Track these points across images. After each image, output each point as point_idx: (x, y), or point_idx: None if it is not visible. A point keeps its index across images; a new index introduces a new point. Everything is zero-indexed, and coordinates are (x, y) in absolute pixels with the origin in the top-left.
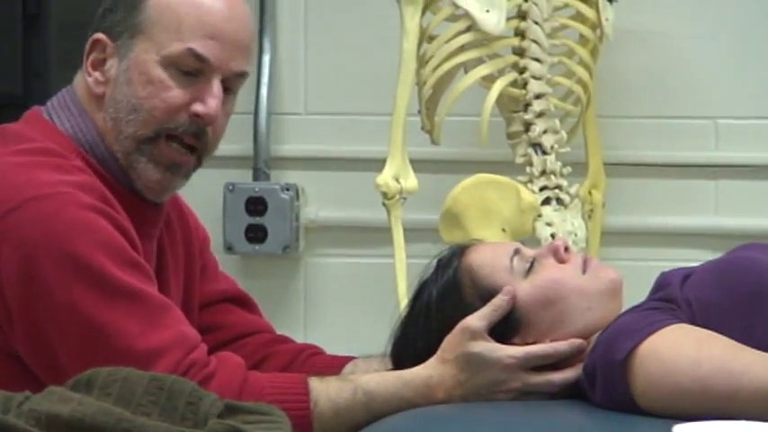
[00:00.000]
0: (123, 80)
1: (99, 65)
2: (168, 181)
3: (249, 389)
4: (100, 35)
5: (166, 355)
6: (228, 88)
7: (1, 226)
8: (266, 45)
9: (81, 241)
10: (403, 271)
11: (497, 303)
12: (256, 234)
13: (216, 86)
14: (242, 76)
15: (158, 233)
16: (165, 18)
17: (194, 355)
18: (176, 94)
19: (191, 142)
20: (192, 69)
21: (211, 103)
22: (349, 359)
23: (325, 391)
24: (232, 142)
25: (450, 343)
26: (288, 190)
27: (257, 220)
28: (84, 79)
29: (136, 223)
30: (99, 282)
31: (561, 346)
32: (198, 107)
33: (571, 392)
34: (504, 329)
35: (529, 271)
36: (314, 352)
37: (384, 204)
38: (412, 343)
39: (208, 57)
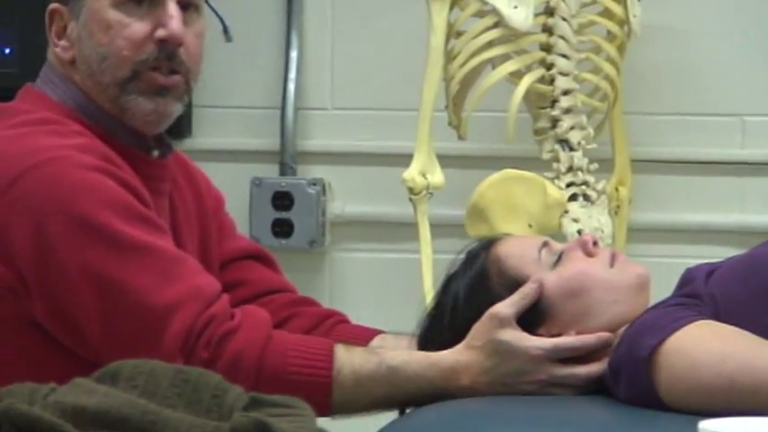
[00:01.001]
0: (85, 35)
1: (61, 33)
2: (163, 106)
3: (273, 347)
4: (53, 5)
5: (183, 308)
6: (187, 5)
7: (7, 198)
8: (293, 41)
9: (87, 202)
10: (429, 266)
11: (526, 291)
12: (282, 228)
13: (172, 7)
14: None
15: (168, 189)
16: None
17: (214, 308)
18: (136, 27)
19: (167, 66)
20: None
21: (172, 23)
22: (377, 332)
23: (349, 360)
24: (259, 137)
25: (478, 330)
26: (314, 185)
27: (283, 214)
28: (53, 51)
29: (143, 179)
30: (108, 240)
31: (589, 339)
32: (160, 32)
33: (596, 388)
34: (530, 320)
35: (557, 263)
36: (340, 319)
37: (410, 199)
38: (438, 332)
39: None
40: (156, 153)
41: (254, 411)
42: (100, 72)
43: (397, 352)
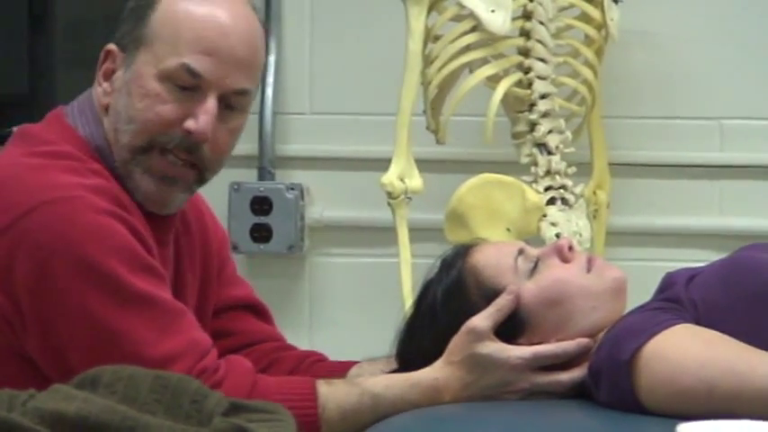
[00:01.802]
0: (125, 91)
1: (109, 75)
2: (165, 193)
3: (258, 393)
4: (111, 46)
5: (178, 362)
6: (231, 105)
7: (16, 229)
8: (272, 45)
9: (95, 247)
10: (408, 271)
11: (501, 303)
12: (261, 233)
13: (210, 103)
14: (243, 93)
15: (173, 238)
16: (165, 32)
17: (205, 361)
18: (170, 108)
19: (183, 157)
20: (187, 85)
21: (203, 119)
22: (352, 364)
23: (333, 395)
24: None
25: (456, 345)
26: (293, 189)
27: (262, 219)
28: (96, 88)
29: (150, 228)
30: (113, 288)
31: (569, 345)
32: (189, 123)
33: (576, 392)
34: (510, 330)
35: (533, 271)
36: (317, 359)
37: (389, 204)
38: (417, 344)
39: (202, 73)
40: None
41: (233, 417)
42: (122, 131)
43: (377, 379)
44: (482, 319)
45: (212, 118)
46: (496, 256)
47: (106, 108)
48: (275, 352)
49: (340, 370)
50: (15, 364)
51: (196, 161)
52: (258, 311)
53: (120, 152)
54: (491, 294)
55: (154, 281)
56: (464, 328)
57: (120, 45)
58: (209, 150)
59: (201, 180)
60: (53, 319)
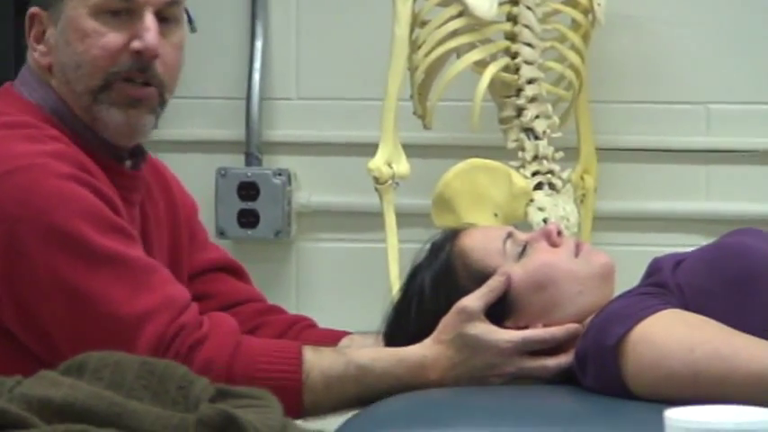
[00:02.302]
0: (62, 42)
1: (40, 37)
2: (134, 118)
3: (242, 354)
4: (33, 8)
5: (154, 318)
6: (166, 18)
7: None
8: (258, 30)
9: (60, 212)
10: (395, 256)
11: (493, 284)
12: (248, 219)
13: (148, 19)
14: (174, 3)
15: (140, 199)
16: None
17: (184, 317)
18: (112, 37)
19: (141, 78)
20: (120, 9)
21: (147, 35)
22: (344, 334)
23: (318, 362)
24: (224, 127)
25: (446, 324)
26: (280, 175)
27: (249, 204)
28: (32, 55)
29: (115, 188)
30: (82, 251)
31: (558, 331)
32: (135, 44)
33: (563, 377)
34: (497, 313)
35: (521, 255)
36: (307, 324)
37: (376, 189)
38: (405, 327)
39: None
40: (128, 164)
41: (220, 403)
42: (75, 80)
43: (365, 350)
44: (473, 300)
45: (155, 33)
46: (485, 239)
47: (49, 68)
48: (262, 314)
49: (330, 339)
50: None
51: (151, 80)
52: (235, 271)
53: (80, 99)
54: (479, 277)
55: (123, 240)
56: (455, 308)
57: (42, 5)
58: (161, 67)
59: (162, 101)
60: (25, 288)
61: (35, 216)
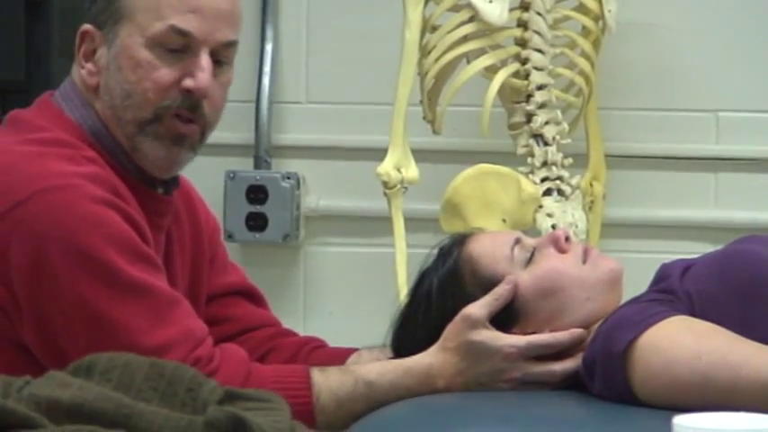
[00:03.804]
0: (114, 67)
1: (90, 55)
2: (175, 154)
3: (252, 382)
4: (87, 26)
5: (172, 351)
6: (219, 60)
7: (12, 217)
8: (268, 34)
9: (91, 236)
10: (403, 261)
11: (499, 292)
12: (257, 222)
13: (204, 59)
14: (231, 45)
15: (168, 224)
16: (144, 0)
17: (199, 350)
18: (165, 72)
19: (187, 116)
20: (177, 46)
21: (201, 76)
22: (352, 351)
23: (326, 383)
24: (233, 130)
25: (451, 331)
26: (289, 179)
27: (258, 208)
28: (79, 71)
29: (146, 214)
30: (108, 277)
31: (562, 335)
32: (188, 82)
33: (570, 383)
34: (504, 319)
35: (529, 261)
36: (317, 345)
37: (385, 194)
38: (412, 332)
39: (190, 31)
40: (161, 191)
41: (228, 405)
42: (122, 108)
43: (371, 365)
44: (478, 308)
45: (209, 74)
46: (492, 245)
47: (95, 89)
48: (273, 338)
49: (339, 357)
50: (12, 353)
51: (197, 118)
52: (252, 296)
53: (126, 128)
54: (487, 283)
55: (149, 270)
56: (460, 315)
57: (96, 23)
58: (208, 107)
59: (203, 138)
60: (48, 308)
61: (65, 237)
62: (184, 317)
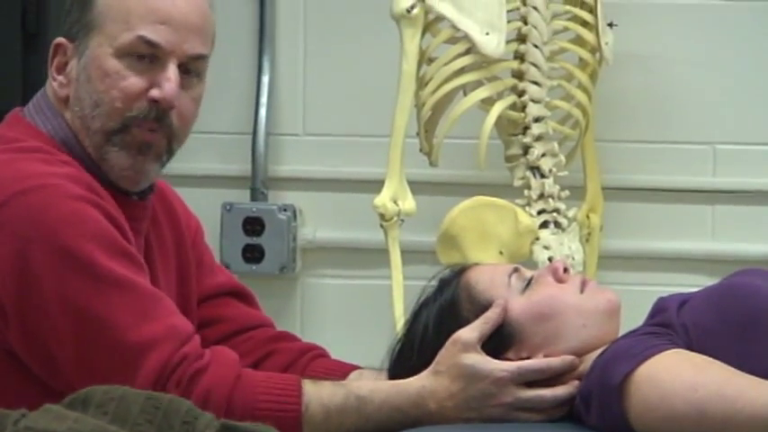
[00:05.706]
0: (83, 78)
1: (62, 68)
2: (141, 163)
3: (242, 385)
4: (60, 39)
5: (158, 347)
6: (189, 71)
7: None
8: (265, 66)
9: (72, 233)
10: (400, 292)
11: (489, 315)
12: (253, 254)
13: (171, 70)
14: (200, 58)
15: (145, 228)
16: (114, 11)
17: (186, 348)
18: (133, 81)
19: (153, 127)
20: (145, 54)
21: (167, 86)
22: (354, 367)
23: (317, 394)
24: (230, 162)
25: (442, 355)
26: (285, 210)
27: (254, 240)
28: (51, 84)
29: (123, 217)
30: (90, 273)
31: (554, 362)
32: (154, 92)
33: (566, 415)
34: (498, 344)
35: (526, 288)
36: (318, 353)
37: (382, 226)
38: (408, 359)
39: (158, 41)
40: (135, 197)
41: None
42: (91, 117)
43: (364, 382)
44: (469, 331)
45: (176, 84)
46: (491, 273)
47: (65, 100)
48: (273, 341)
49: (340, 370)
50: (1, 362)
51: (163, 128)
52: (243, 296)
53: (93, 138)
54: (482, 309)
55: (131, 266)
56: (451, 339)
57: (69, 36)
58: (176, 118)
59: (170, 150)
60: (33, 308)
61: (47, 237)
62: (168, 313)
